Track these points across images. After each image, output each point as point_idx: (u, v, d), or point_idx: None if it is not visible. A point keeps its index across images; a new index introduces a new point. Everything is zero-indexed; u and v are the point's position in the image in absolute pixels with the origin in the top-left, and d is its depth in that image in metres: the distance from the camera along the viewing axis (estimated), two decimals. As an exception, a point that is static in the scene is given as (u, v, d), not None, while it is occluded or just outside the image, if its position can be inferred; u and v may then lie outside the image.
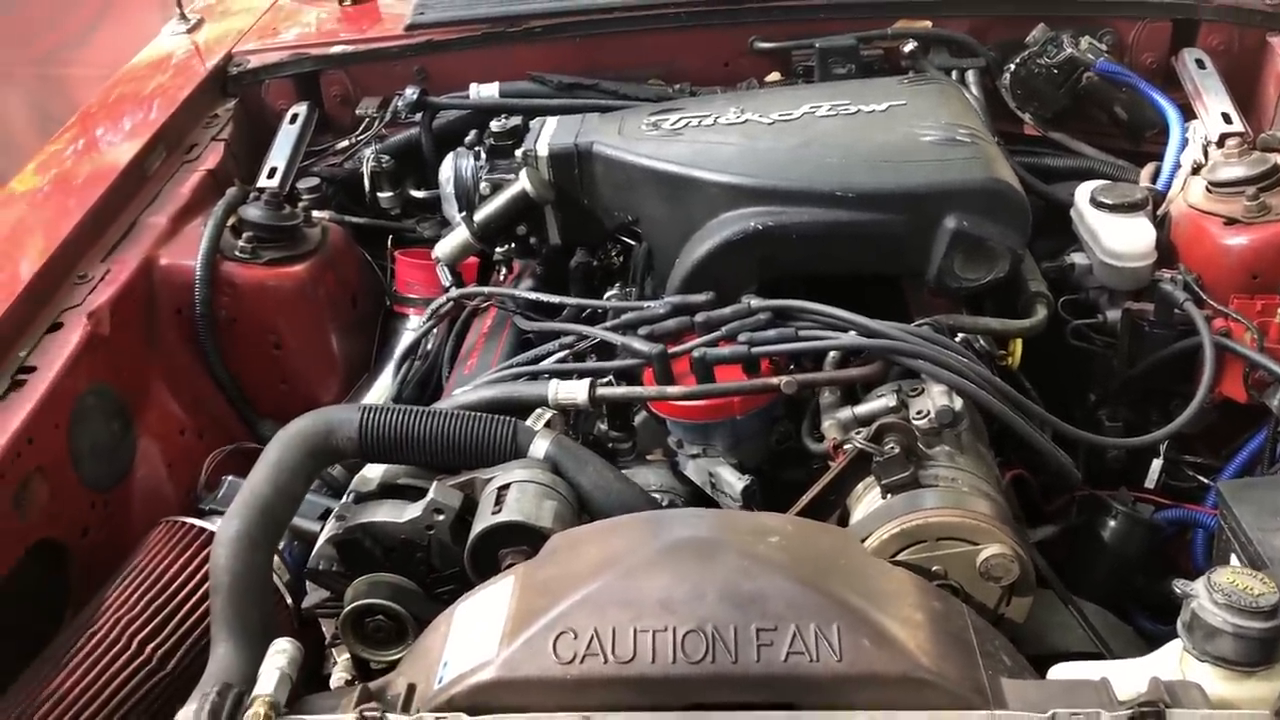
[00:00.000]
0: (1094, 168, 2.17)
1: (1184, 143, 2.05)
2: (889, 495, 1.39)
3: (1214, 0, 2.24)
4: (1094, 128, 2.28)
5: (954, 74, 2.25)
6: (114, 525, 1.73)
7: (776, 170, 1.74)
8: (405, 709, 1.17)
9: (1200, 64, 2.20)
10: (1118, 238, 1.88)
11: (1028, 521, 1.69)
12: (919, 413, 1.46)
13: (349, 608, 1.45)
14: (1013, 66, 2.25)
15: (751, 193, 1.73)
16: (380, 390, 2.04)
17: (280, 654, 1.23)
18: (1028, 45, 2.24)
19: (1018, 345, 1.78)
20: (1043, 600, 1.47)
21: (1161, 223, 1.94)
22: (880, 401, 1.50)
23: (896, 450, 1.39)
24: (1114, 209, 1.90)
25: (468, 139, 2.07)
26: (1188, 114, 2.12)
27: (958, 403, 1.45)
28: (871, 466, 1.40)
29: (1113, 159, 2.20)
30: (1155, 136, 2.17)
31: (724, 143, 1.83)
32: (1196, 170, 1.96)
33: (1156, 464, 1.79)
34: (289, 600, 1.62)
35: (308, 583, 1.55)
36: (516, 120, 1.99)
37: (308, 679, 1.52)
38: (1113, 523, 1.68)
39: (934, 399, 1.46)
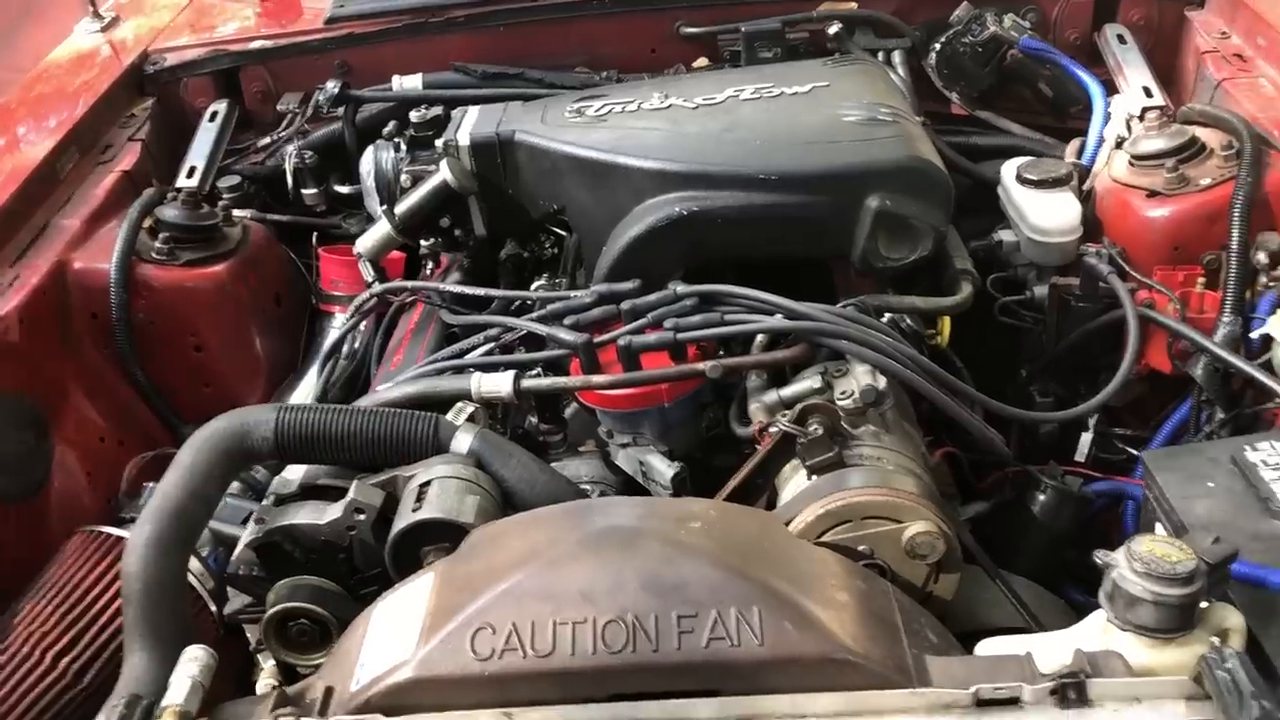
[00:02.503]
0: (1020, 145, 2.18)
1: (1107, 117, 2.05)
2: (814, 476, 1.38)
3: (1135, -25, 2.25)
4: (1020, 105, 2.29)
5: (880, 55, 2.25)
6: (29, 537, 1.68)
7: (701, 154, 1.72)
8: (322, 713, 1.14)
9: (1121, 39, 2.21)
10: (1043, 213, 1.89)
11: (961, 498, 1.69)
12: (844, 393, 1.44)
13: (270, 612, 1.42)
14: (938, 46, 2.25)
15: (676, 177, 1.71)
16: (306, 390, 2.00)
17: (192, 662, 1.19)
18: (952, 24, 2.24)
19: (946, 324, 1.77)
20: (972, 576, 1.47)
21: (1087, 197, 1.95)
22: (805, 383, 1.49)
23: (820, 431, 1.37)
24: (1038, 185, 1.91)
25: (386, 130, 2.03)
26: (1110, 89, 2.13)
27: (881, 382, 1.44)
28: (796, 448, 1.38)
29: (1039, 136, 2.21)
30: (1080, 112, 2.17)
31: (648, 128, 1.81)
32: (1119, 144, 1.97)
33: (1086, 437, 1.80)
34: (213, 607, 1.58)
35: (229, 589, 1.51)
36: (437, 110, 1.96)
37: (237, 687, 1.49)
38: (1042, 497, 1.68)
39: (858, 379, 1.45)
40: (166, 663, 1.25)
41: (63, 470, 1.79)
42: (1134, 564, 1.15)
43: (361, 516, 1.43)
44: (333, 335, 1.98)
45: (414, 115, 1.95)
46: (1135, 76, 2.11)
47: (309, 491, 1.50)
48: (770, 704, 1.09)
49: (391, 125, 2.03)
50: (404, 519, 1.37)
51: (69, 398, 1.85)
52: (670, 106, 1.86)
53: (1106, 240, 1.83)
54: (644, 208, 1.72)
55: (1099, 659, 1.14)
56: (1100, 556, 1.19)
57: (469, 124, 1.88)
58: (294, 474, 1.53)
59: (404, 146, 1.96)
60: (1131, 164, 1.89)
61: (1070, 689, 1.07)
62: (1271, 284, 1.65)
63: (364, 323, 2.01)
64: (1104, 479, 1.74)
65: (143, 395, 1.96)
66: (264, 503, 1.50)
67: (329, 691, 1.17)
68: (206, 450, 1.42)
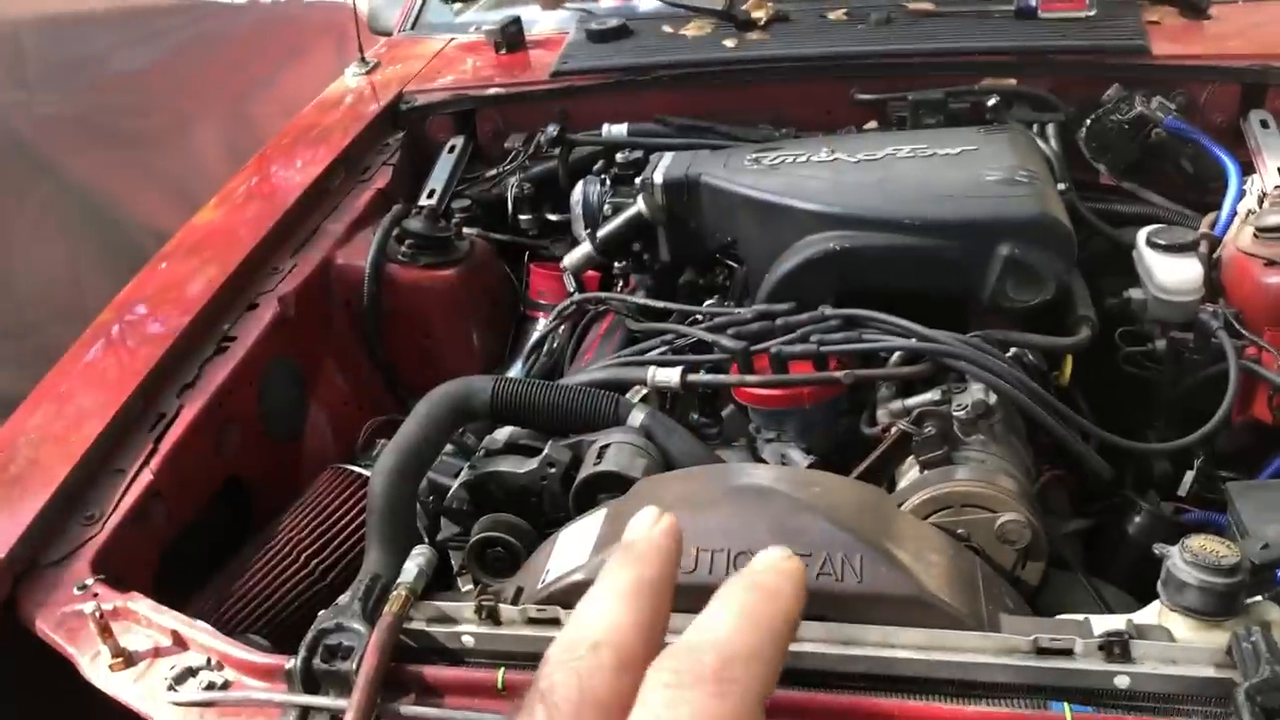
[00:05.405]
0: (1158, 214, 2.36)
1: (1240, 193, 2.24)
2: (925, 470, 1.65)
3: (1283, 67, 2.43)
4: (1163, 179, 2.48)
5: (1035, 127, 2.48)
6: (289, 471, 2.10)
7: (856, 200, 2.02)
8: (514, 602, 1.48)
9: (1264, 124, 2.39)
10: (1169, 274, 2.09)
11: (1068, 515, 1.91)
12: (959, 405, 1.71)
13: (475, 538, 1.77)
14: (1089, 121, 2.47)
15: (833, 219, 2.01)
16: (512, 376, 2.37)
17: (420, 556, 1.56)
18: (1103, 103, 2.46)
19: (1068, 363, 2.01)
20: (1068, 584, 1.70)
21: (1215, 264, 2.14)
22: (927, 395, 1.76)
23: (933, 432, 1.64)
24: (1166, 249, 2.12)
25: (595, 168, 2.41)
26: (1248, 169, 2.31)
27: (992, 398, 1.70)
28: (912, 445, 1.66)
29: (1179, 207, 2.39)
30: (1217, 188, 2.35)
31: (814, 177, 2.11)
32: (1248, 218, 2.16)
33: (1189, 475, 1.99)
34: (425, 539, 1.95)
35: (442, 519, 1.88)
36: (638, 154, 2.33)
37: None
38: (1137, 519, 1.88)
39: (973, 395, 1.71)
40: (397, 560, 1.61)
41: (315, 424, 2.22)
42: (1185, 555, 1.38)
43: (553, 469, 1.77)
44: (537, 333, 2.35)
45: (619, 156, 2.33)
46: (1273, 158, 2.29)
47: (512, 448, 1.86)
48: (864, 632, 1.36)
49: (599, 164, 2.41)
50: (587, 470, 1.71)
51: (324, 366, 2.29)
52: (835, 160, 2.16)
53: (1223, 301, 2.02)
54: (803, 243, 2.02)
55: (1146, 629, 1.37)
56: (1159, 549, 1.42)
57: (663, 166, 2.23)
58: (502, 434, 1.89)
59: (608, 182, 2.34)
60: (1255, 236, 2.08)
61: (1115, 645, 1.31)
62: (1370, 349, 1.82)
63: (561, 328, 2.38)
64: (1198, 511, 1.93)
65: (380, 370, 2.38)
66: (477, 454, 1.87)
67: (520, 590, 1.51)
68: (439, 404, 1.80)
